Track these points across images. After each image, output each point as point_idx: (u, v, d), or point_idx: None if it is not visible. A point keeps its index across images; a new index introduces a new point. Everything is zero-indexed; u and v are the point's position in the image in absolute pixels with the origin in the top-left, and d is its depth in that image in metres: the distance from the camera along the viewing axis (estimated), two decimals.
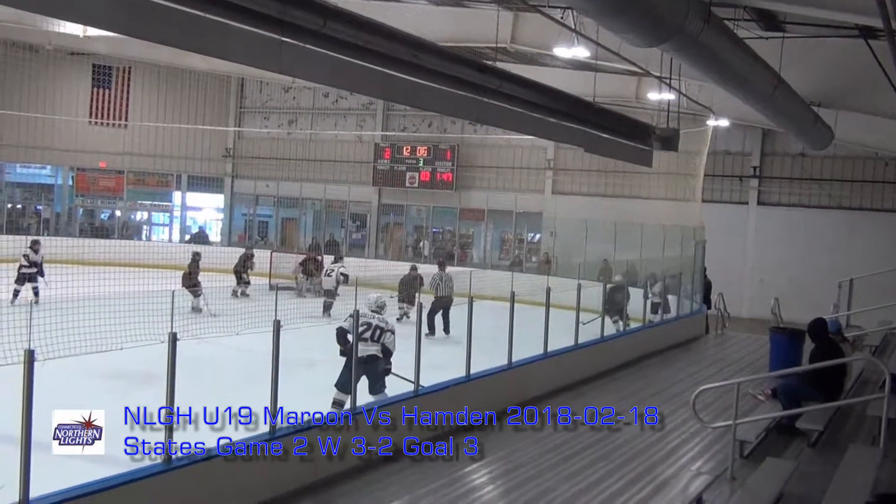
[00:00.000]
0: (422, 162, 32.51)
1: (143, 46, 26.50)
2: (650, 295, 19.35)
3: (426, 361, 11.23)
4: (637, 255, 22.40)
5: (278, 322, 9.01)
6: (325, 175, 34.30)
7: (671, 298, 21.20)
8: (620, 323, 18.39)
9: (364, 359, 11.07)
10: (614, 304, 18.52)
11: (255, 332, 10.81)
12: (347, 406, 10.70)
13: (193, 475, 8.04)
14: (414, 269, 17.98)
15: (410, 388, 11.11)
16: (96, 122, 34.41)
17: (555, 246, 29.43)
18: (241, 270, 24.65)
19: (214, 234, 36.30)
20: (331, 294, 21.82)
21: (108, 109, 34.39)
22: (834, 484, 8.36)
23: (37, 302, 17.52)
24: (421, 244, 33.62)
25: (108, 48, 28.84)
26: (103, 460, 9.18)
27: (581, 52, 16.29)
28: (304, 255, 26.54)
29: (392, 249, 33.75)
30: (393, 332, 11.44)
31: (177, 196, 36.71)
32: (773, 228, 28.56)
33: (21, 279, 19.72)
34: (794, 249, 28.01)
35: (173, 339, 8.01)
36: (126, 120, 34.57)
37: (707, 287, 23.63)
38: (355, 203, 34.42)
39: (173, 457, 7.93)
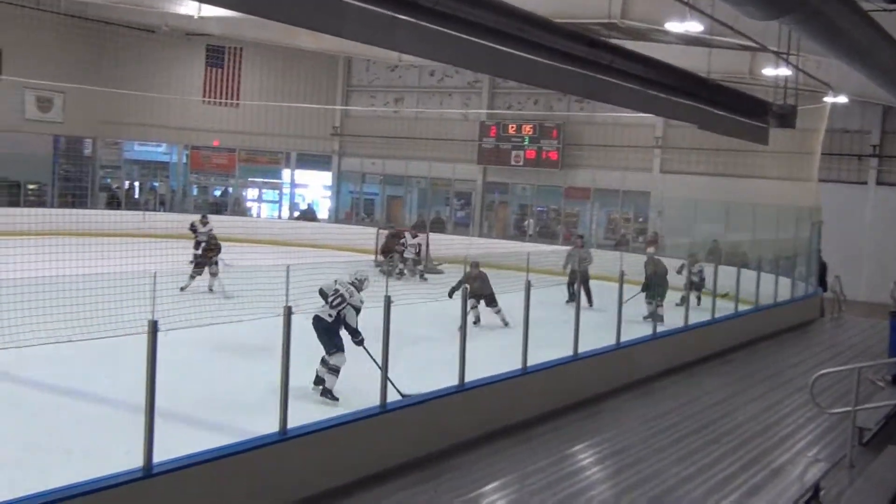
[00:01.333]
0: (527, 140, 32.30)
1: (255, 27, 27.05)
2: (690, 273, 18.63)
3: (533, 340, 11.17)
4: (749, 236, 21.84)
5: (388, 298, 9.07)
6: (431, 153, 34.41)
7: (784, 281, 20.59)
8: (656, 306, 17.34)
9: (317, 318, 11.21)
10: (653, 285, 18.02)
11: (367, 306, 10.97)
12: (336, 366, 11.12)
13: (307, 446, 8.18)
14: (476, 265, 17.32)
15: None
16: (209, 102, 35.35)
17: (662, 226, 28.91)
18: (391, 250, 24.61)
19: (322, 212, 36.88)
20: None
21: (221, 89, 35.29)
22: None
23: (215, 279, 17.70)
24: (525, 223, 33.49)
25: (221, 29, 29.48)
26: (223, 429, 9.52)
27: (694, 26, 15.86)
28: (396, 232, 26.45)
29: (496, 228, 33.71)
30: (357, 309, 11.21)
31: (286, 173, 37.43)
32: (893, 209, 27.39)
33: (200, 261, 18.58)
34: None
35: (288, 312, 8.13)
36: (238, 99, 35.42)
37: (822, 269, 22.92)
38: (460, 181, 34.46)
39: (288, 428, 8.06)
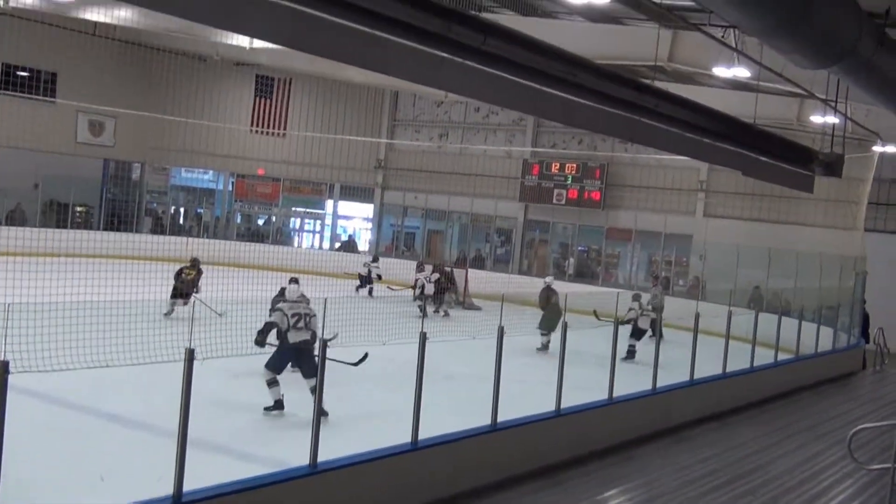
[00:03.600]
0: (570, 179, 32.29)
1: (304, 59, 27.37)
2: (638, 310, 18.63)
3: (569, 383, 11.10)
4: (791, 284, 21.55)
5: (424, 334, 9.08)
6: (473, 189, 34.53)
7: (826, 330, 20.29)
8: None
9: (299, 344, 11.75)
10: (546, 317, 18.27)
11: (400, 342, 11.00)
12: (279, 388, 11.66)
13: (336, 480, 8.17)
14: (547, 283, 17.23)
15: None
16: (257, 131, 35.84)
17: (704, 270, 28.64)
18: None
19: (363, 243, 37.06)
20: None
21: (269, 118, 35.76)
22: None
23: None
24: (566, 262, 33.36)
25: (270, 60, 29.91)
26: (252, 458, 9.56)
27: (741, 72, 15.88)
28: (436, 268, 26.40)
29: (536, 266, 33.63)
30: (316, 317, 11.77)
31: (329, 204, 37.72)
32: None
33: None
34: None
35: (324, 345, 8.18)
36: (285, 129, 35.86)
37: (865, 320, 22.57)
38: (501, 218, 34.50)
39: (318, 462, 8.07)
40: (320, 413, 10.52)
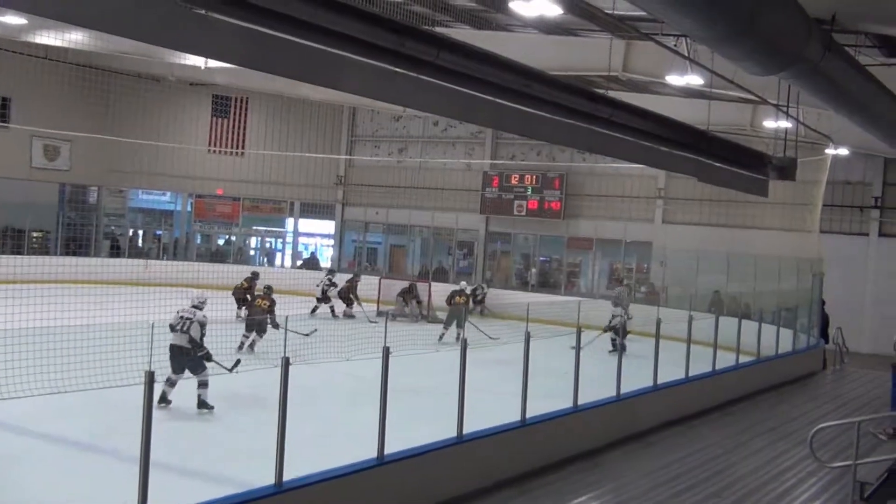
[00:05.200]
0: (530, 190, 32.45)
1: (260, 77, 27.24)
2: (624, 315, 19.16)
3: (532, 392, 11.13)
4: (751, 287, 21.81)
5: (387, 349, 9.07)
6: (434, 203, 34.58)
7: (785, 332, 20.55)
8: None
9: (173, 347, 12.42)
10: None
11: (365, 357, 10.99)
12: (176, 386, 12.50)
13: (304, 498, 8.13)
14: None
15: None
16: (215, 151, 35.61)
17: (664, 276, 28.89)
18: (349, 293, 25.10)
19: (325, 260, 36.93)
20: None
21: (227, 138, 35.55)
22: None
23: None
24: (529, 273, 33.49)
25: (226, 79, 29.76)
26: (219, 479, 9.48)
27: (694, 79, 16.08)
28: (407, 283, 26.73)
29: (499, 277, 33.71)
30: (202, 324, 12.54)
31: (289, 222, 37.58)
32: (895, 261, 27.40)
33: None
34: None
35: (286, 363, 8.14)
36: (243, 148, 35.67)
37: (824, 321, 22.88)
38: (463, 231, 34.55)
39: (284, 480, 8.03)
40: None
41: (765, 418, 15.58)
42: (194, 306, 12.92)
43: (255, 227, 37.92)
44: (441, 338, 20.25)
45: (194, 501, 7.35)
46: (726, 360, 17.27)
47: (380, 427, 9.03)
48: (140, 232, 37.74)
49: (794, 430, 14.55)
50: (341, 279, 25.75)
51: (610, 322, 18.68)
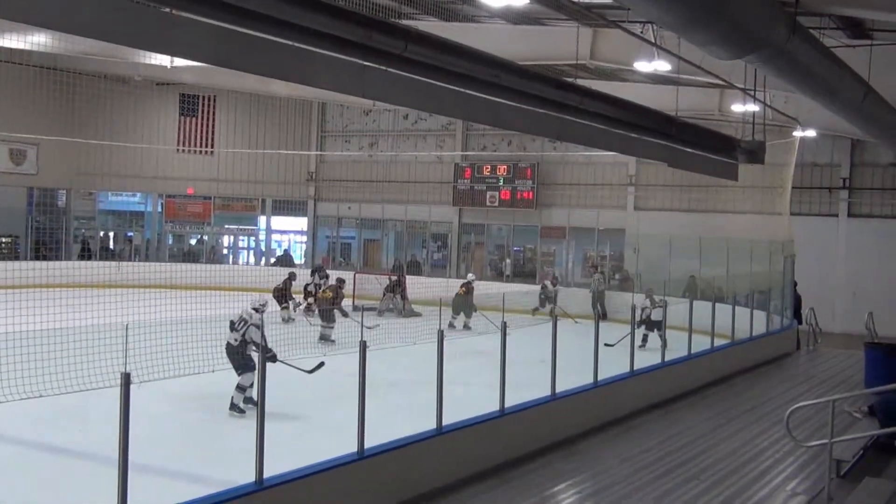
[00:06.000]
0: (502, 181, 32.51)
1: (228, 75, 27.02)
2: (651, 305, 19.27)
3: (510, 380, 11.17)
4: (723, 271, 21.96)
5: (364, 343, 9.06)
6: (406, 196, 34.56)
7: (759, 314, 20.71)
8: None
9: (227, 345, 12.55)
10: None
11: (341, 353, 11.01)
12: (249, 392, 12.27)
13: (285, 494, 8.09)
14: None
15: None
16: (184, 150, 35.31)
17: (638, 262, 29.06)
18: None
19: (298, 257, 36.80)
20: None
21: (195, 137, 35.25)
22: None
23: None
24: (503, 264, 33.54)
25: (194, 77, 29.51)
26: (198, 479, 9.42)
27: (662, 65, 16.14)
28: (390, 277, 26.72)
29: (474, 269, 33.72)
30: (258, 327, 12.43)
31: (262, 220, 37.41)
32: (865, 241, 27.68)
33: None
34: (889, 262, 27.07)
35: (263, 363, 8.11)
36: (212, 147, 35.40)
37: (797, 302, 23.09)
38: (436, 223, 34.58)
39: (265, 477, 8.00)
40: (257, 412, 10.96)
41: (741, 400, 15.68)
42: (254, 308, 12.85)
43: (227, 226, 37.68)
44: (451, 326, 21.47)
45: (175, 502, 7.29)
46: (702, 343, 17.39)
47: (359, 421, 9.01)
48: (111, 234, 37.35)
49: (769, 410, 14.65)
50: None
51: (641, 316, 18.58)
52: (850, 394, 14.07)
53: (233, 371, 12.40)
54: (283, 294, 22.47)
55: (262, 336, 12.14)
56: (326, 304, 19.31)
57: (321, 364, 12.43)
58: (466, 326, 22.01)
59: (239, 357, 12.51)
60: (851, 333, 23.71)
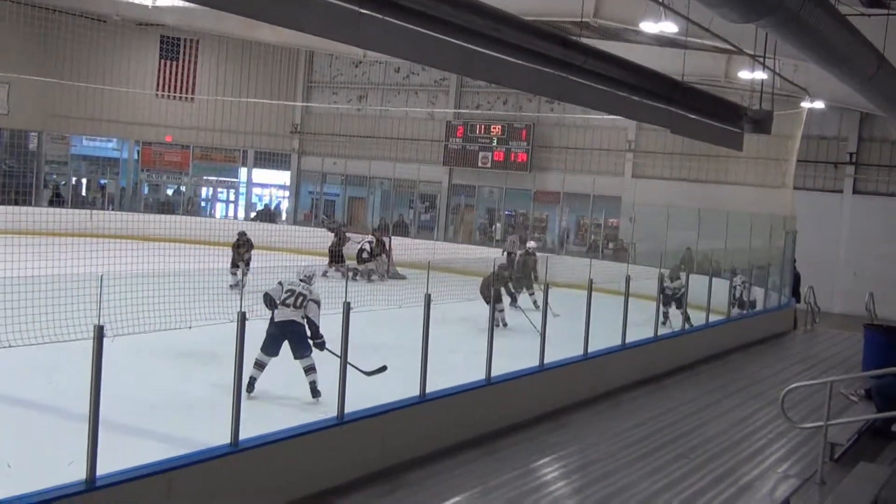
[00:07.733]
0: (495, 141, 31.92)
1: (212, 18, 26.17)
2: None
3: (498, 350, 10.83)
4: (722, 244, 21.52)
5: (348, 304, 8.69)
6: (395, 153, 33.95)
7: (757, 290, 20.38)
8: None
9: (283, 323, 11.10)
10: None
11: (324, 313, 10.65)
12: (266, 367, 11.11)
13: (259, 458, 7.80)
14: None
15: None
16: (163, 95, 34.43)
17: (634, 232, 28.57)
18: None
19: (283, 214, 36.23)
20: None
21: (176, 82, 34.36)
22: None
23: None
24: (493, 227, 33.08)
25: (176, 19, 28.51)
26: (170, 440, 9.07)
27: (669, 27, 15.59)
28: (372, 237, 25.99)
29: (462, 232, 33.29)
30: (318, 304, 11.13)
31: (243, 172, 36.65)
32: (869, 219, 26.98)
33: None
34: (893, 241, 26.33)
35: (242, 318, 7.72)
36: (193, 93, 34.51)
37: (796, 280, 22.71)
38: (425, 183, 33.96)
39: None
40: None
41: (735, 378, 15.45)
42: (302, 280, 11.38)
43: (206, 178, 36.86)
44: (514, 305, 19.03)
45: (146, 461, 7.07)
46: (697, 318, 17.12)
47: (340, 386, 8.72)
48: (84, 180, 36.45)
49: (764, 389, 14.45)
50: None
51: (665, 292, 17.71)
52: (847, 376, 13.81)
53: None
54: (338, 253, 22.68)
55: (318, 315, 11.01)
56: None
57: (383, 368, 11.21)
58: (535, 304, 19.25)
59: (302, 336, 11.12)
60: (851, 314, 23.38)
